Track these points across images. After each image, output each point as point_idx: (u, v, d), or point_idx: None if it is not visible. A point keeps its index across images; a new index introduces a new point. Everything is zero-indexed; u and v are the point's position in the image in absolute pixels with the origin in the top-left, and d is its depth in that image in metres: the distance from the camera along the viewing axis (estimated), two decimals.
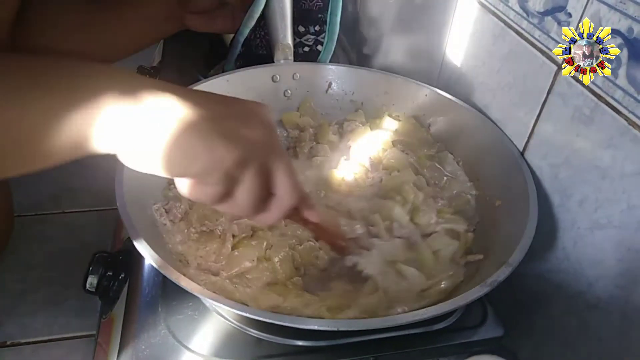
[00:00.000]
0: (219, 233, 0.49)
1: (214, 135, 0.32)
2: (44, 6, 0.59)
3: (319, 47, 0.70)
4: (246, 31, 0.64)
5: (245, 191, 0.34)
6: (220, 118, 0.33)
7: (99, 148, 0.32)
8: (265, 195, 0.36)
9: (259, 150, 0.34)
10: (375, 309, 0.43)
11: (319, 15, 0.68)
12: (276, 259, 0.48)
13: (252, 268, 0.47)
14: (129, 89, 0.32)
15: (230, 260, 0.47)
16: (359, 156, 0.61)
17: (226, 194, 0.34)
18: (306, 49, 0.71)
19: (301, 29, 0.69)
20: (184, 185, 0.34)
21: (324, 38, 0.69)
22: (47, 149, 0.30)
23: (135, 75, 0.34)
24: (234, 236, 0.49)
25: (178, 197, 0.51)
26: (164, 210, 0.49)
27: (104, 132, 0.31)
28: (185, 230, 0.49)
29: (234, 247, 0.49)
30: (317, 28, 0.69)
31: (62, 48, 0.58)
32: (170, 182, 0.51)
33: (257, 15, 0.62)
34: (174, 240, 0.48)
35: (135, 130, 0.31)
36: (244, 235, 0.50)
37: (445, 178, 0.58)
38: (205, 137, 0.31)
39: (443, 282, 0.46)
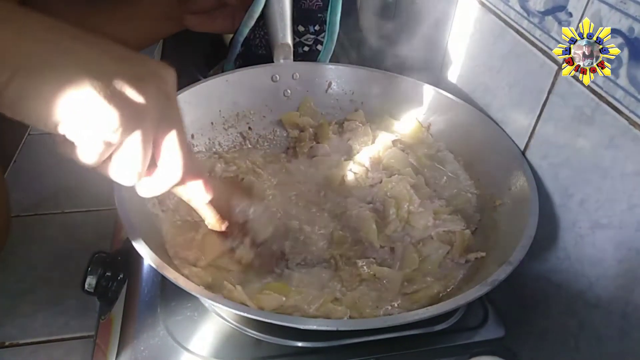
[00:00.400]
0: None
1: (96, 92, 0.30)
2: (43, 5, 0.59)
3: (319, 47, 0.70)
4: (246, 31, 0.64)
5: (121, 157, 0.32)
6: (113, 76, 0.31)
7: None
8: (148, 165, 0.34)
9: (145, 117, 0.32)
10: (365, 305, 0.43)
11: (319, 15, 0.68)
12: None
13: (225, 254, 0.47)
14: (32, 28, 0.30)
15: (204, 249, 0.47)
16: (359, 156, 0.61)
17: (104, 158, 0.32)
18: (306, 48, 0.70)
19: (301, 28, 0.69)
20: (58, 141, 0.32)
21: (323, 38, 0.69)
22: None
23: (49, 19, 0.31)
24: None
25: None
26: (156, 200, 0.49)
27: None
28: (172, 219, 0.49)
29: (206, 235, 0.48)
30: (316, 28, 0.69)
31: None
32: None
33: (256, 15, 0.62)
34: (163, 229, 0.48)
35: (16, 70, 0.29)
36: None
37: (445, 177, 0.58)
38: (87, 94, 0.30)
39: (435, 286, 0.46)
